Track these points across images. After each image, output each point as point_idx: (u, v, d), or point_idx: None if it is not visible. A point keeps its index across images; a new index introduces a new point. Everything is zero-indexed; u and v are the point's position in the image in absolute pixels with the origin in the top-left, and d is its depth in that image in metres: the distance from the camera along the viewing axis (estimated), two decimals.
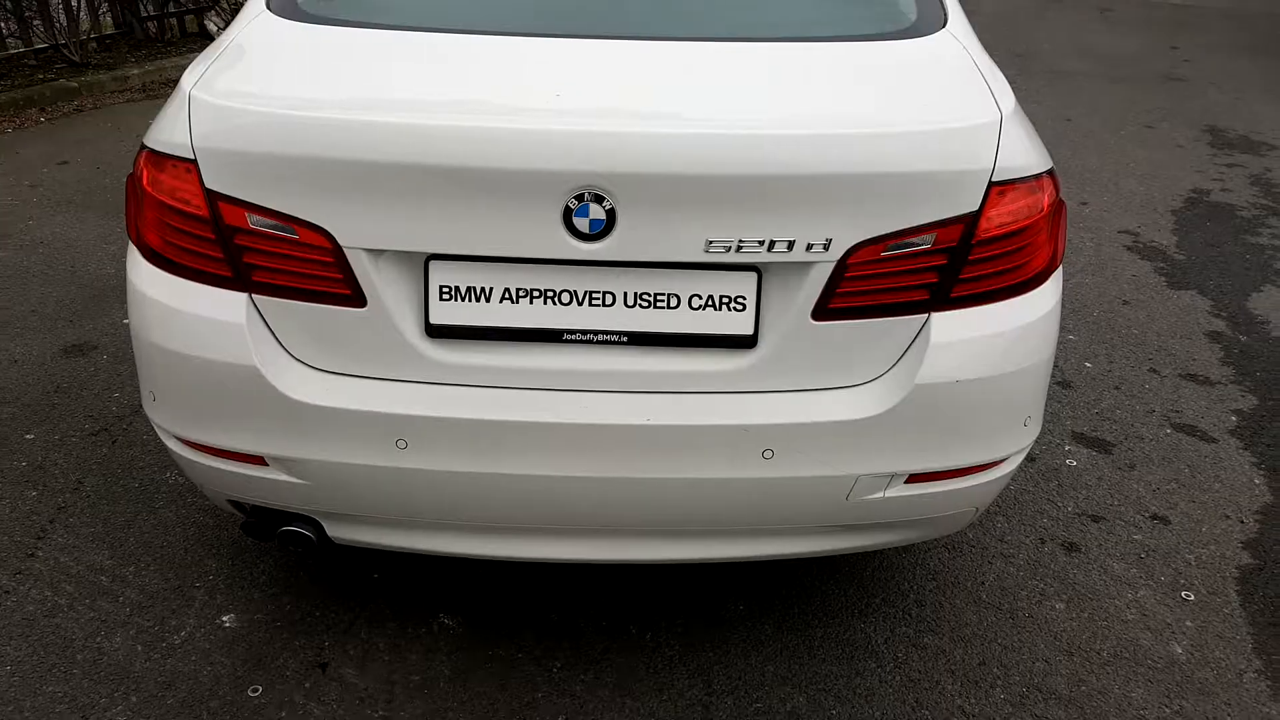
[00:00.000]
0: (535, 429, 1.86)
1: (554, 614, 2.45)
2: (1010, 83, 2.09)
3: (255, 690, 2.22)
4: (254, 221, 1.81)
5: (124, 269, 2.00)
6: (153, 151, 1.90)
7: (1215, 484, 3.05)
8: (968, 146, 1.82)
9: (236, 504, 2.12)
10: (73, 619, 2.40)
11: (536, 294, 1.85)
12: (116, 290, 4.01)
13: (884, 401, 1.88)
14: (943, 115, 1.88)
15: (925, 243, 1.82)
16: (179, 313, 1.88)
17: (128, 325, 1.96)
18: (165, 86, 7.03)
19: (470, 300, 1.86)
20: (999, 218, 1.87)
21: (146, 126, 1.99)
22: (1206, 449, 3.22)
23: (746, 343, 1.88)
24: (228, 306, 1.86)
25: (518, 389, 1.90)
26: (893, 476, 1.94)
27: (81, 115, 6.42)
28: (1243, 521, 2.88)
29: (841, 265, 1.81)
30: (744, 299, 1.85)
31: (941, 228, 1.81)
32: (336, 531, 2.09)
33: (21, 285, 4.05)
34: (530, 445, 1.87)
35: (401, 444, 1.87)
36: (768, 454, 1.88)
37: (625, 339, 1.87)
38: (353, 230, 1.78)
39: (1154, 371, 3.69)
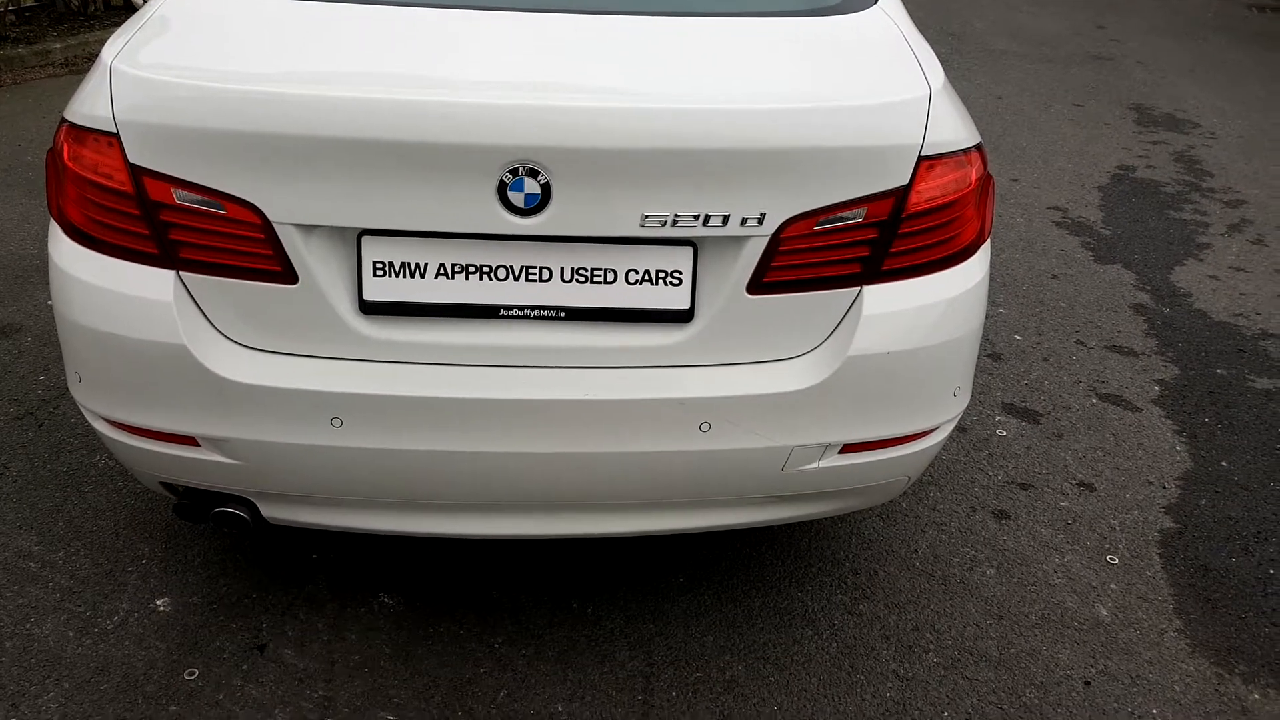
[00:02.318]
0: (471, 405, 1.85)
1: (495, 590, 2.46)
2: (942, 61, 2.12)
3: (192, 673, 2.20)
4: (180, 197, 1.77)
5: (47, 248, 1.95)
6: (73, 125, 1.85)
7: (1139, 451, 3.15)
8: (897, 121, 1.85)
9: (169, 486, 2.09)
10: (0, 606, 2.35)
11: (472, 269, 1.84)
12: (39, 271, 3.89)
13: (818, 374, 1.91)
14: (873, 90, 1.91)
15: (856, 217, 1.85)
16: (103, 291, 1.84)
17: (52, 306, 1.91)
18: (88, 61, 6.80)
19: (405, 276, 1.84)
20: (928, 192, 1.90)
21: (68, 102, 1.93)
22: (1130, 418, 3.33)
23: (683, 317, 1.89)
24: (154, 284, 1.82)
25: (454, 365, 1.90)
26: (827, 447, 1.97)
27: (1, 91, 6.19)
28: (1164, 487, 2.99)
29: (775, 239, 1.83)
30: (680, 274, 1.87)
31: (872, 201, 1.84)
32: (271, 512, 2.07)
33: None
34: (467, 422, 1.87)
35: (337, 422, 1.86)
36: (705, 427, 1.90)
37: (562, 314, 1.87)
38: (282, 205, 1.75)
39: (1081, 343, 3.80)
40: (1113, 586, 2.58)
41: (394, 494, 2.00)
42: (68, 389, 2.74)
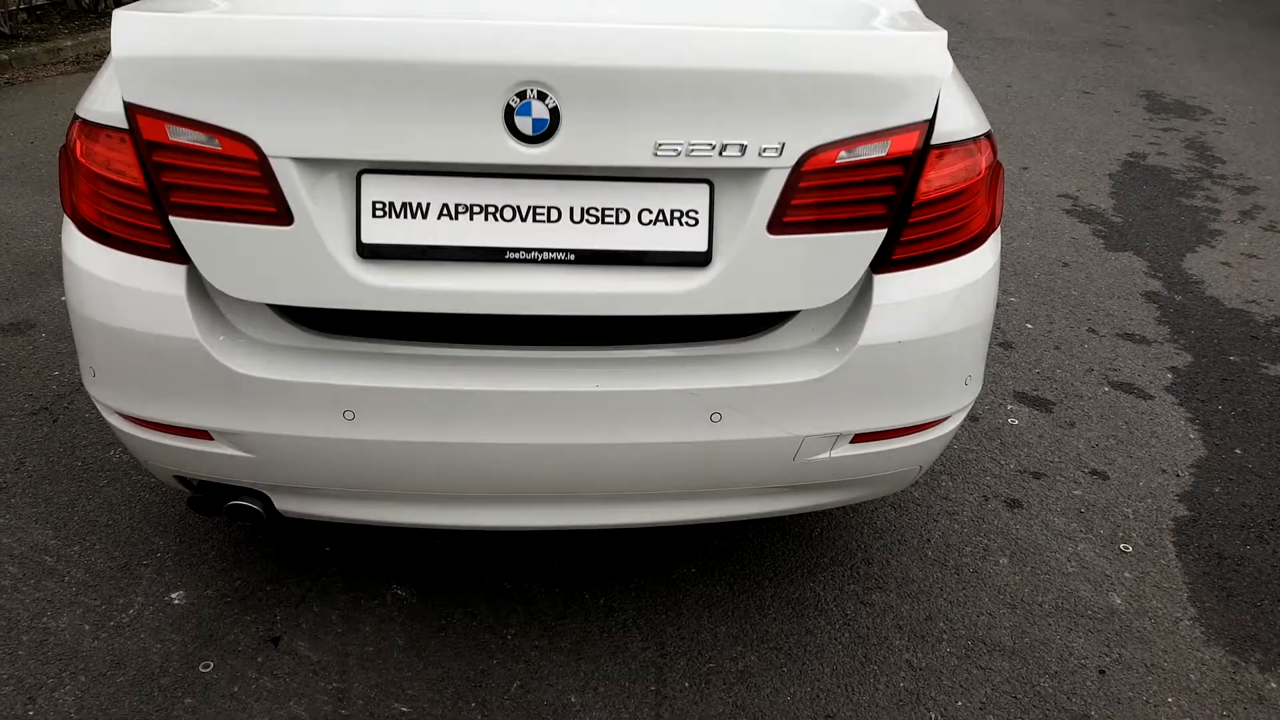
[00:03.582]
0: (483, 397, 1.86)
1: (507, 582, 2.47)
2: (951, 50, 2.11)
3: (207, 666, 2.21)
4: (174, 134, 1.70)
5: (60, 244, 1.96)
6: (86, 122, 1.86)
7: (1152, 439, 3.14)
8: (920, 52, 1.79)
9: (182, 479, 2.10)
10: (17, 600, 2.36)
11: (477, 209, 1.76)
12: (54, 267, 3.91)
13: (828, 363, 1.91)
14: (895, 24, 1.87)
15: (880, 150, 1.78)
16: (117, 286, 1.85)
17: (65, 302, 1.92)
18: (99, 58, 6.82)
19: (405, 217, 1.76)
20: (938, 180, 1.89)
21: (80, 99, 1.94)
22: (1143, 406, 3.32)
23: (700, 260, 1.81)
24: (167, 279, 1.83)
25: (458, 315, 1.81)
26: (838, 437, 1.97)
27: (13, 88, 6.21)
28: (1178, 475, 2.98)
29: (796, 173, 1.75)
30: (696, 213, 1.79)
31: (896, 135, 1.78)
32: (285, 505, 2.08)
33: None
34: (479, 414, 1.87)
35: (349, 415, 1.86)
36: (716, 417, 1.90)
37: (572, 257, 1.79)
38: (278, 138, 1.68)
39: (1093, 331, 3.78)
40: (1127, 575, 2.58)
41: (406, 486, 2.01)
42: (82, 384, 2.75)
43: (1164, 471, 2.99)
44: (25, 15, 7.20)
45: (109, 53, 1.77)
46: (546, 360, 1.91)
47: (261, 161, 1.70)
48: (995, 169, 2.00)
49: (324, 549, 2.55)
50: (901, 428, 2.02)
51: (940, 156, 1.90)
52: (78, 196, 1.87)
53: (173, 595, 2.40)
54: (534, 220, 1.78)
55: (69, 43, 6.91)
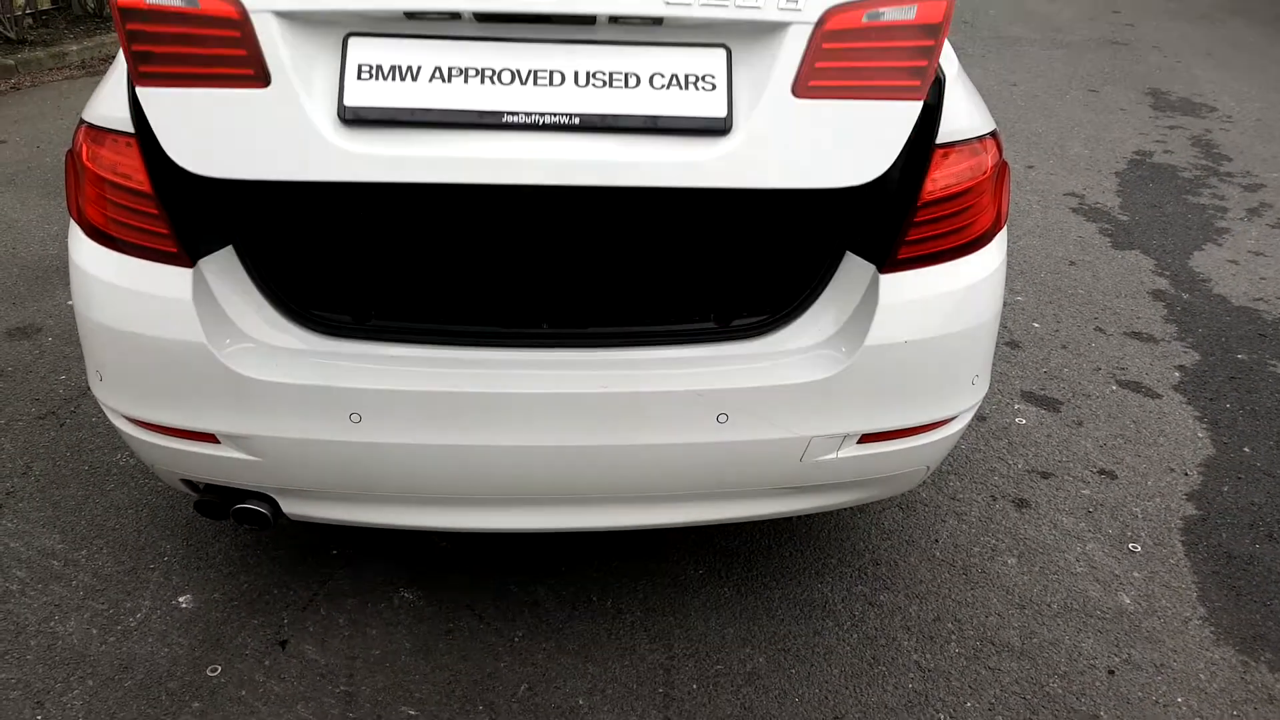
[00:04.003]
0: (490, 400, 1.85)
1: (514, 585, 2.46)
2: (956, 49, 2.11)
3: (214, 670, 2.21)
4: None
5: (67, 248, 1.96)
6: (92, 126, 1.86)
7: (1160, 438, 3.13)
8: None
9: (190, 483, 2.10)
10: (25, 604, 2.37)
11: (473, 72, 1.65)
12: (60, 271, 3.92)
13: (835, 363, 1.90)
14: None
15: (907, 14, 1.67)
16: (123, 290, 1.85)
17: (72, 306, 1.92)
18: (104, 63, 6.84)
19: (394, 80, 1.64)
20: (943, 179, 1.89)
21: (86, 103, 1.95)
22: (1151, 405, 3.31)
23: (719, 127, 1.69)
24: (173, 282, 1.83)
25: (445, 182, 1.70)
26: (845, 437, 1.97)
27: (19, 93, 6.23)
28: (1186, 474, 2.96)
29: (818, 32, 1.65)
30: (713, 78, 1.69)
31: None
32: (292, 508, 2.08)
33: None
34: (486, 416, 1.87)
35: (355, 418, 1.86)
36: (722, 419, 1.90)
37: (576, 120, 1.66)
38: None
39: (1100, 330, 3.77)
40: (1135, 575, 2.57)
41: (413, 489, 2.01)
42: (89, 388, 2.76)
43: (1172, 470, 2.98)
44: (31, 20, 7.22)
45: (113, 57, 1.75)
46: (553, 362, 1.91)
47: (242, 19, 1.58)
48: (1001, 168, 1.99)
49: (331, 552, 2.55)
50: (909, 428, 2.01)
51: (946, 155, 1.90)
52: (84, 201, 1.87)
53: (180, 599, 2.40)
54: (535, 84, 1.65)
55: (74, 47, 6.93)
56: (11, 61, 6.52)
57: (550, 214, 1.97)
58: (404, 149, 1.65)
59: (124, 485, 2.77)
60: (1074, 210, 4.88)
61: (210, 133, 1.64)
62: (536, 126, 1.66)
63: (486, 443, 1.89)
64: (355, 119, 1.65)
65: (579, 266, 2.58)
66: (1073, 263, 4.32)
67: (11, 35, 6.80)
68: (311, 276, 2.27)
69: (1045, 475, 2.94)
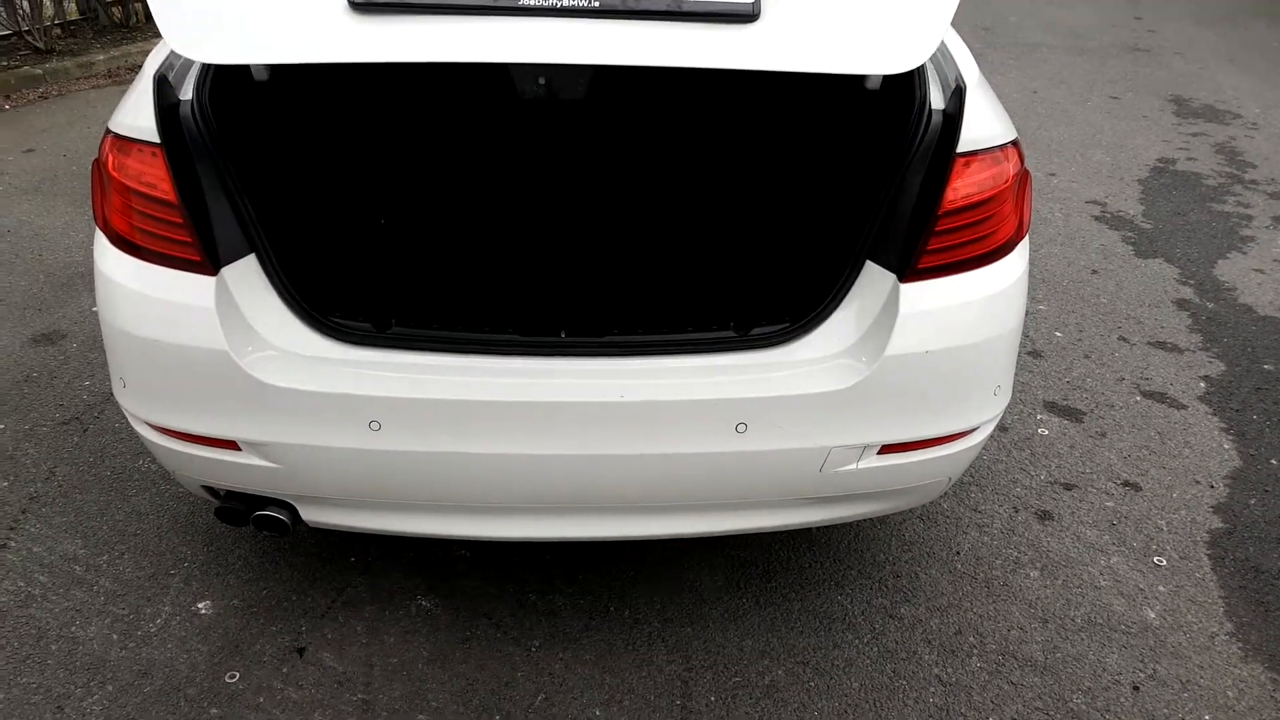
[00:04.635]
0: (508, 408, 1.85)
1: (531, 593, 2.46)
2: (975, 55, 2.09)
3: (233, 676, 2.22)
4: None
5: (92, 256, 1.98)
6: (118, 136, 1.88)
7: (1185, 450, 3.09)
8: None
9: (210, 489, 2.11)
10: (46, 609, 2.38)
11: None
12: (85, 278, 3.95)
13: (855, 373, 1.89)
14: None
15: None
16: (147, 298, 1.86)
17: (96, 313, 1.94)
18: (130, 72, 6.91)
19: None
20: (964, 188, 1.88)
21: (112, 112, 1.96)
22: (1176, 415, 3.26)
23: (746, 13, 1.65)
24: (196, 291, 1.84)
25: (453, 67, 1.72)
26: (865, 448, 1.95)
27: (47, 102, 6.30)
28: (1212, 486, 2.92)
29: None
30: None
31: None
32: (311, 515, 2.09)
33: None
34: (504, 425, 1.87)
35: (375, 426, 1.86)
36: (741, 428, 1.89)
37: (596, 3, 1.64)
38: None
39: (1123, 340, 3.73)
40: (1161, 589, 2.53)
41: (432, 497, 2.01)
42: (112, 394, 2.78)
43: (1198, 483, 2.94)
44: (59, 30, 7.30)
45: (139, 67, 1.77)
46: (571, 371, 1.91)
47: None
48: (1023, 176, 1.98)
49: (349, 559, 2.55)
50: (929, 438, 2.00)
51: (967, 164, 1.88)
52: (110, 209, 1.89)
53: (199, 605, 2.41)
54: None
55: (101, 56, 7.00)
56: (40, 71, 6.60)
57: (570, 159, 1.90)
58: (417, 28, 1.59)
59: (145, 491, 2.79)
60: (1096, 218, 4.84)
61: (214, 14, 1.60)
62: (554, 11, 1.62)
63: (504, 451, 1.89)
64: (366, 8, 1.62)
65: (597, 273, 2.59)
66: (1095, 271, 4.28)
67: (40, 45, 6.88)
68: (332, 284, 2.29)
69: (1068, 487, 2.91)
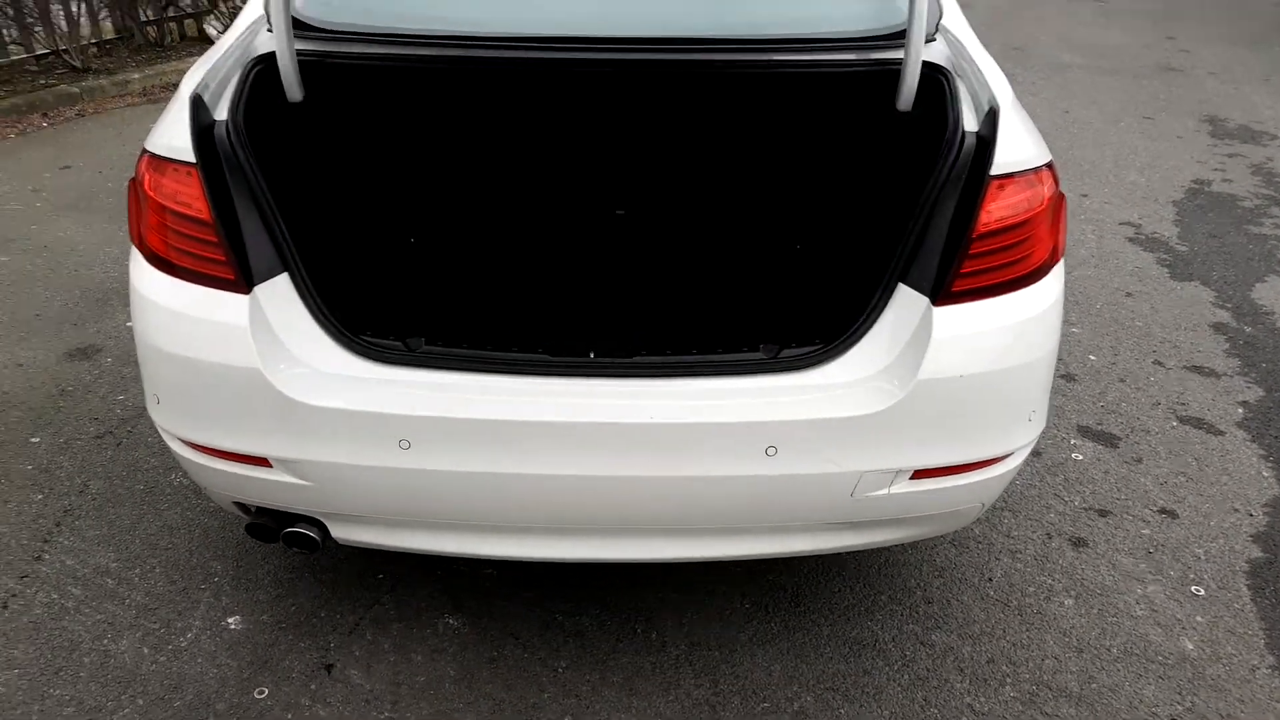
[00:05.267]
0: (537, 428, 1.85)
1: (559, 613, 2.45)
2: (1007, 76, 2.08)
3: (261, 692, 2.22)
4: None
5: (127, 272, 2.00)
6: (154, 156, 1.90)
7: (1223, 477, 3.03)
8: None
9: (241, 505, 2.12)
10: (79, 622, 2.40)
11: None
12: (120, 293, 4.01)
13: (887, 397, 1.87)
14: None
15: None
16: (182, 316, 1.88)
17: (131, 328, 1.96)
18: (166, 90, 7.03)
19: None
20: (999, 211, 1.86)
21: (147, 130, 1.99)
22: (1214, 441, 3.21)
23: None
24: (230, 309, 1.86)
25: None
26: (897, 473, 1.93)
27: (83, 120, 6.41)
28: (1251, 515, 2.87)
29: None
30: None
31: None
32: (341, 532, 2.09)
33: (26, 289, 4.06)
34: (532, 445, 1.87)
35: (404, 444, 1.87)
36: (771, 451, 1.87)
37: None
38: None
39: (1159, 364, 3.68)
40: (1199, 619, 2.48)
41: (461, 516, 2.01)
42: (145, 409, 2.80)
43: (1236, 510, 2.88)
44: (95, 49, 7.44)
45: (174, 85, 1.81)
46: (600, 392, 1.90)
47: None
48: (1058, 199, 1.96)
49: (377, 575, 2.56)
50: (963, 464, 1.97)
51: (1001, 187, 1.87)
52: (145, 228, 1.91)
53: (229, 620, 2.42)
54: None
55: (136, 75, 7.12)
56: (77, 89, 6.72)
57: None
58: None
59: (177, 505, 2.81)
60: (1130, 240, 4.78)
61: None
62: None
63: (532, 471, 1.89)
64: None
65: (627, 294, 2.59)
66: (1130, 294, 4.23)
67: (77, 64, 7.01)
68: (363, 303, 2.30)
69: (1103, 513, 2.86)
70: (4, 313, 3.86)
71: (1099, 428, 3.27)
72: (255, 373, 1.84)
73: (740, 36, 2.16)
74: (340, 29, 2.15)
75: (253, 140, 1.91)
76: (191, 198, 1.84)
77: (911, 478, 1.95)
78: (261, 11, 2.21)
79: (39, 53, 7.16)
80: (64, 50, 7.05)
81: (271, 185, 1.91)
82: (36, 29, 7.11)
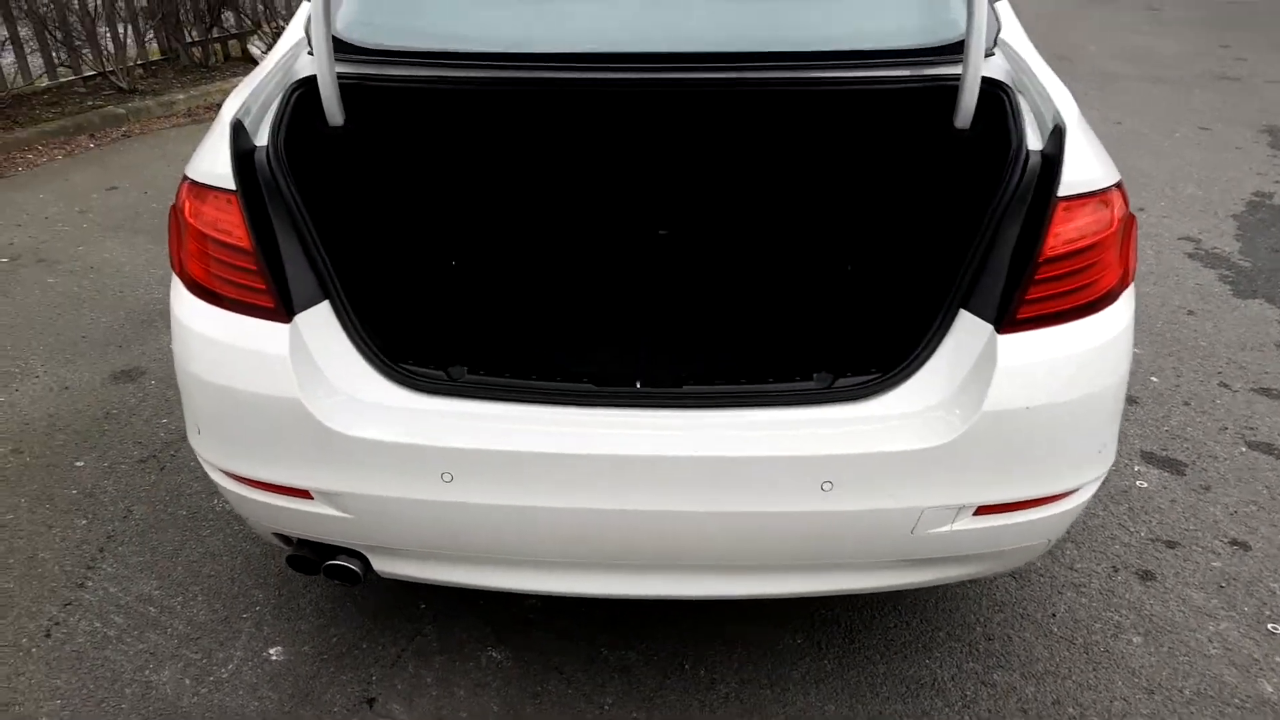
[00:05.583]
0: (582, 461, 1.79)
1: (604, 648, 2.38)
2: None
3: None
4: None
5: (169, 296, 1.98)
6: (195, 183, 1.88)
7: None
8: None
9: (282, 537, 2.09)
10: (121, 651, 2.38)
11: None
12: (164, 315, 4.02)
13: (950, 430, 1.78)
14: None
15: None
16: (222, 345, 1.85)
17: (174, 350, 1.95)
18: (210, 111, 7.10)
19: None
20: (1066, 234, 1.78)
21: (192, 151, 1.96)
22: None
23: None
24: (271, 339, 1.82)
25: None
26: (960, 509, 1.84)
27: (129, 141, 6.50)
28: None
29: None
30: None
31: None
32: (382, 565, 2.05)
33: (73, 311, 4.08)
34: (577, 478, 1.81)
35: (447, 477, 1.82)
36: (827, 486, 1.79)
37: None
38: None
39: (1224, 386, 3.53)
40: (1278, 659, 2.35)
41: (504, 550, 1.95)
42: (187, 434, 2.79)
43: None
44: (141, 70, 7.55)
45: (218, 106, 1.79)
46: (647, 424, 1.84)
47: None
48: (1128, 221, 1.86)
49: (419, 606, 2.51)
50: (1029, 499, 1.88)
51: (1068, 209, 1.78)
52: (186, 256, 1.88)
53: (271, 651, 2.38)
54: None
55: (181, 96, 7.21)
56: (123, 110, 6.81)
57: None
58: None
59: (219, 531, 2.79)
60: (1190, 255, 4.63)
61: None
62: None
63: (578, 505, 1.83)
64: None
65: (674, 322, 2.53)
66: (1191, 312, 4.08)
67: (123, 85, 7.12)
68: (404, 332, 2.26)
69: (1171, 545, 2.74)
70: (51, 335, 3.88)
71: (1164, 454, 3.14)
72: (296, 403, 1.80)
73: (789, 50, 2.10)
74: (381, 50, 2.12)
75: (293, 165, 1.88)
76: (232, 225, 1.81)
77: (975, 514, 1.86)
78: (303, 34, 2.19)
79: (86, 74, 7.28)
80: (110, 71, 7.16)
81: (312, 211, 1.88)
82: (84, 51, 7.24)
